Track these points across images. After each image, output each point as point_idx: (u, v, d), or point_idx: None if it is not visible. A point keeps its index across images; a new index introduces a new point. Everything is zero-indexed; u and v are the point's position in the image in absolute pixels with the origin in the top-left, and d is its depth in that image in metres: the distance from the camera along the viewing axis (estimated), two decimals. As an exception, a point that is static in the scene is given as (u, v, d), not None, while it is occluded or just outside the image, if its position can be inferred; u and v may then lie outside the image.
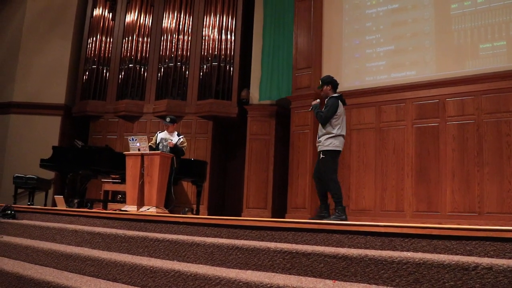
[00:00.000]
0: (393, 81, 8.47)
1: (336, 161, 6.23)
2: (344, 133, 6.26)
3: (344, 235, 3.64)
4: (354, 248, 3.53)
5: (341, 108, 6.23)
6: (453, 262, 2.77)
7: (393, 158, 8.18)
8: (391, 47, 8.66)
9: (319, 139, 6.25)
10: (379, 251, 3.29)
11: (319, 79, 6.74)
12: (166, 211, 7.07)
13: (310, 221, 4.01)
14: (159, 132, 8.15)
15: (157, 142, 7.92)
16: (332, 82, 6.44)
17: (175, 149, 7.77)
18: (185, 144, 8.03)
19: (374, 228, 3.51)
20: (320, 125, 6.30)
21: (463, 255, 3.11)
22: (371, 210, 8.20)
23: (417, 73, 8.26)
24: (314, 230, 3.79)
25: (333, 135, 6.13)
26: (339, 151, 6.23)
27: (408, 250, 3.31)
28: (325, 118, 6.14)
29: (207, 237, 4.38)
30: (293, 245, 3.67)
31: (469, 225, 5.34)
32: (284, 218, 8.44)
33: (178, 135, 8.08)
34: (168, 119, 8.03)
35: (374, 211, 8.16)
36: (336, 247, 3.59)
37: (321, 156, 6.16)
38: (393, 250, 3.34)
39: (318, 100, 6.51)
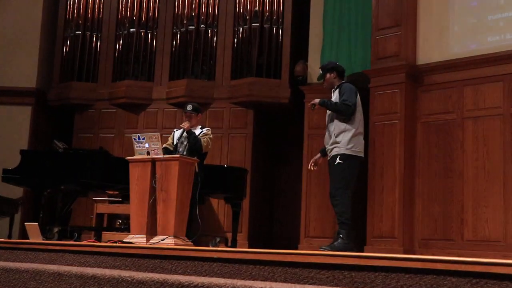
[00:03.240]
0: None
1: (355, 173, 6.75)
2: (363, 130, 6.90)
3: (463, 279, 3.54)
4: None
5: (358, 96, 6.83)
6: None
7: (532, 160, 8.00)
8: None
9: (336, 139, 6.71)
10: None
11: (319, 68, 7.37)
12: (190, 243, 7.09)
13: (408, 256, 3.92)
14: (176, 130, 8.17)
15: (175, 143, 7.98)
16: (336, 68, 7.03)
17: (191, 138, 7.77)
18: (208, 136, 7.89)
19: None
20: (334, 121, 6.79)
21: None
22: (499, 241, 7.96)
23: None
24: (417, 270, 3.70)
25: (355, 131, 6.69)
26: (361, 158, 6.83)
27: None
28: (353, 104, 6.66)
29: (254, 280, 4.35)
30: (386, 293, 3.60)
31: None
32: (363, 251, 8.36)
33: (202, 128, 8.06)
34: (189, 107, 8.04)
35: (505, 242, 7.91)
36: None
37: (338, 161, 6.64)
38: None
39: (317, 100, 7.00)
